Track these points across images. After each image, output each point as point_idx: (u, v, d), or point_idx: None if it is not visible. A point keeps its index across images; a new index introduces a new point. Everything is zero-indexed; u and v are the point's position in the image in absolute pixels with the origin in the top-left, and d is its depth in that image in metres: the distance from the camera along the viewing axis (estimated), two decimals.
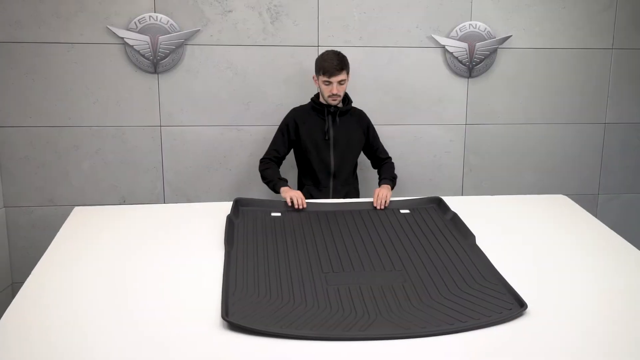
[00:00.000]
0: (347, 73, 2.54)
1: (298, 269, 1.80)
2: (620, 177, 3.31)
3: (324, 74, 2.49)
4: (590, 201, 3.29)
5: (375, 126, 2.76)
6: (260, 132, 3.00)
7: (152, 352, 1.39)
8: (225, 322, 1.47)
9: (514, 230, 2.20)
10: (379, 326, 1.50)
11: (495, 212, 2.40)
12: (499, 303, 1.61)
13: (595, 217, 3.30)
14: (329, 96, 2.53)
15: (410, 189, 3.14)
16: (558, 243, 2.08)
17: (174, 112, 2.94)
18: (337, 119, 2.62)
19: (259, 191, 3.05)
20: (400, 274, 1.79)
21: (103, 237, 2.07)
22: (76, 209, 2.39)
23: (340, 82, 2.51)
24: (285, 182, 2.48)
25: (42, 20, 2.75)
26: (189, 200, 3.01)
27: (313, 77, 2.60)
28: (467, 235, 2.05)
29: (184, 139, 2.97)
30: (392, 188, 2.54)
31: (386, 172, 2.67)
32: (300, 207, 2.25)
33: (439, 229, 2.12)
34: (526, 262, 1.93)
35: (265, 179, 2.58)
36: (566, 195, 2.63)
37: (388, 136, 3.05)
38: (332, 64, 2.47)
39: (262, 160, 2.65)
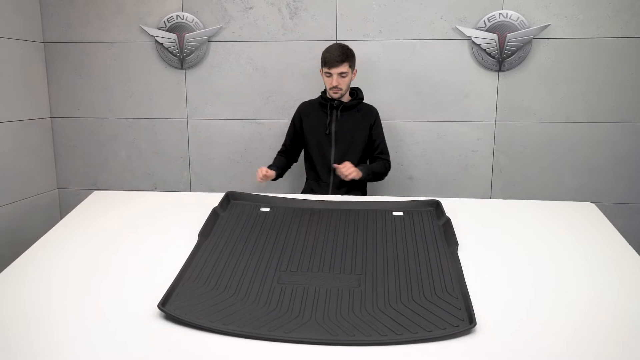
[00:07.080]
0: (351, 66, 2.48)
1: (256, 265, 1.81)
2: None
3: (324, 65, 2.47)
4: None
5: (395, 122, 2.66)
6: (280, 126, 3.04)
7: (92, 333, 1.46)
8: (161, 312, 1.53)
9: (515, 238, 1.96)
10: (306, 330, 1.45)
11: (505, 218, 2.17)
12: (448, 318, 1.47)
13: None
14: (330, 88, 2.50)
15: (433, 189, 2.98)
16: (560, 257, 1.81)
17: (199, 105, 3.09)
18: (340, 114, 2.57)
19: (277, 184, 3.10)
20: (358, 278, 1.72)
21: (103, 220, 2.23)
22: (95, 192, 2.62)
23: (341, 75, 2.46)
24: (271, 167, 2.56)
25: (87, 21, 3.05)
26: (212, 190, 3.15)
27: (320, 71, 2.58)
28: (450, 243, 1.91)
29: (208, 131, 3.12)
30: (363, 180, 2.51)
31: (371, 165, 2.56)
32: (260, 178, 2.40)
33: (423, 234, 2.00)
34: (510, 274, 1.71)
35: None
36: (613, 203, 2.32)
37: (409, 133, 2.93)
38: (333, 55, 2.43)
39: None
